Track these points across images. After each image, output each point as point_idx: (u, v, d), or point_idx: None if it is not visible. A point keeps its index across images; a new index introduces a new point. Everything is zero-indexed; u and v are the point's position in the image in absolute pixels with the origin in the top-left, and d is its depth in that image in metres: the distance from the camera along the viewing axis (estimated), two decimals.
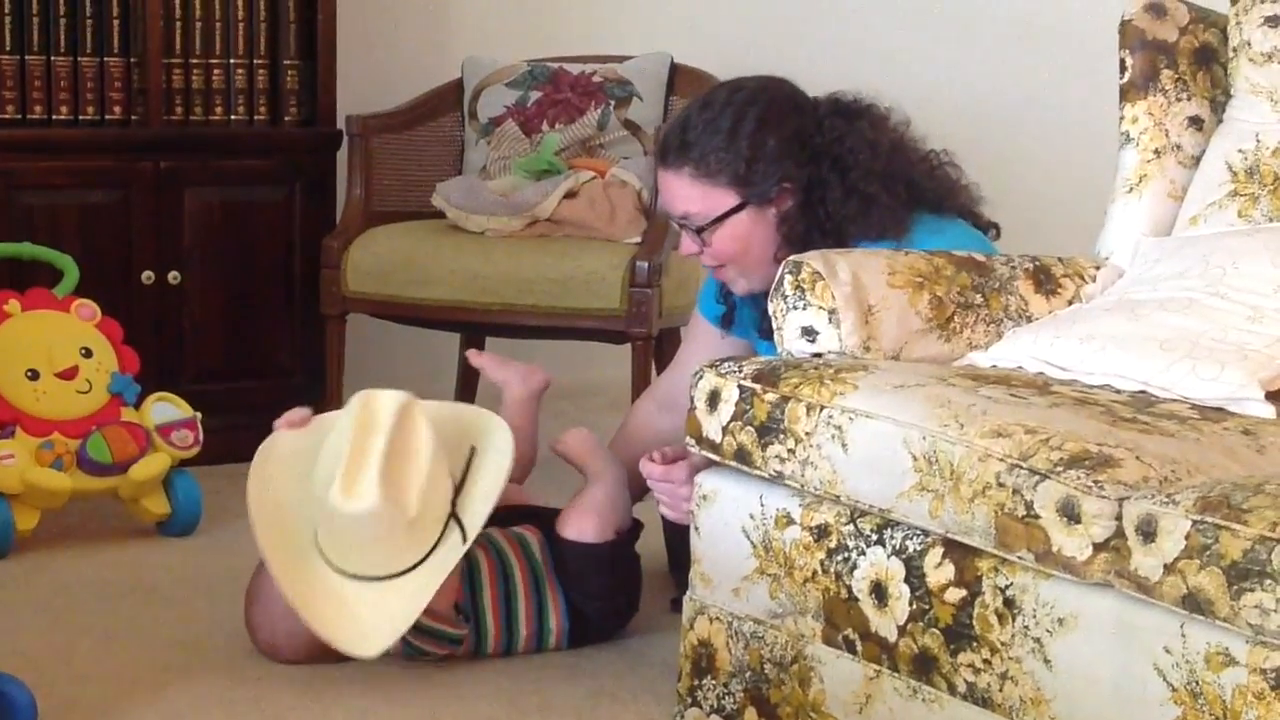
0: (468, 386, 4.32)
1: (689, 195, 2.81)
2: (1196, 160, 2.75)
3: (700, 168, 2.80)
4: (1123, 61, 2.81)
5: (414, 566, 2.58)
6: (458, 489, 2.63)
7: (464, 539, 2.59)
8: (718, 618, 2.46)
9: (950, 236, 2.77)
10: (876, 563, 2.23)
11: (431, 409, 2.68)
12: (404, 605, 2.57)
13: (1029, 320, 2.61)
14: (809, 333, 2.51)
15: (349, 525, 2.55)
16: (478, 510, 2.61)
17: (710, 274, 2.99)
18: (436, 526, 2.59)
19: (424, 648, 2.72)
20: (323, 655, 2.69)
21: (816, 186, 2.79)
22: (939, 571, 2.15)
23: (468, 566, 2.78)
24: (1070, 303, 2.66)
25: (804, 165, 2.79)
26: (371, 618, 2.57)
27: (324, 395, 3.87)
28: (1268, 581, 1.80)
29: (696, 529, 2.49)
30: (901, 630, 2.20)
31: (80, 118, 3.83)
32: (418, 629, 2.69)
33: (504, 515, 2.90)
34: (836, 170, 2.79)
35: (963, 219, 2.87)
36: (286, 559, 2.63)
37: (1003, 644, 2.08)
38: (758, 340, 2.97)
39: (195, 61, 3.91)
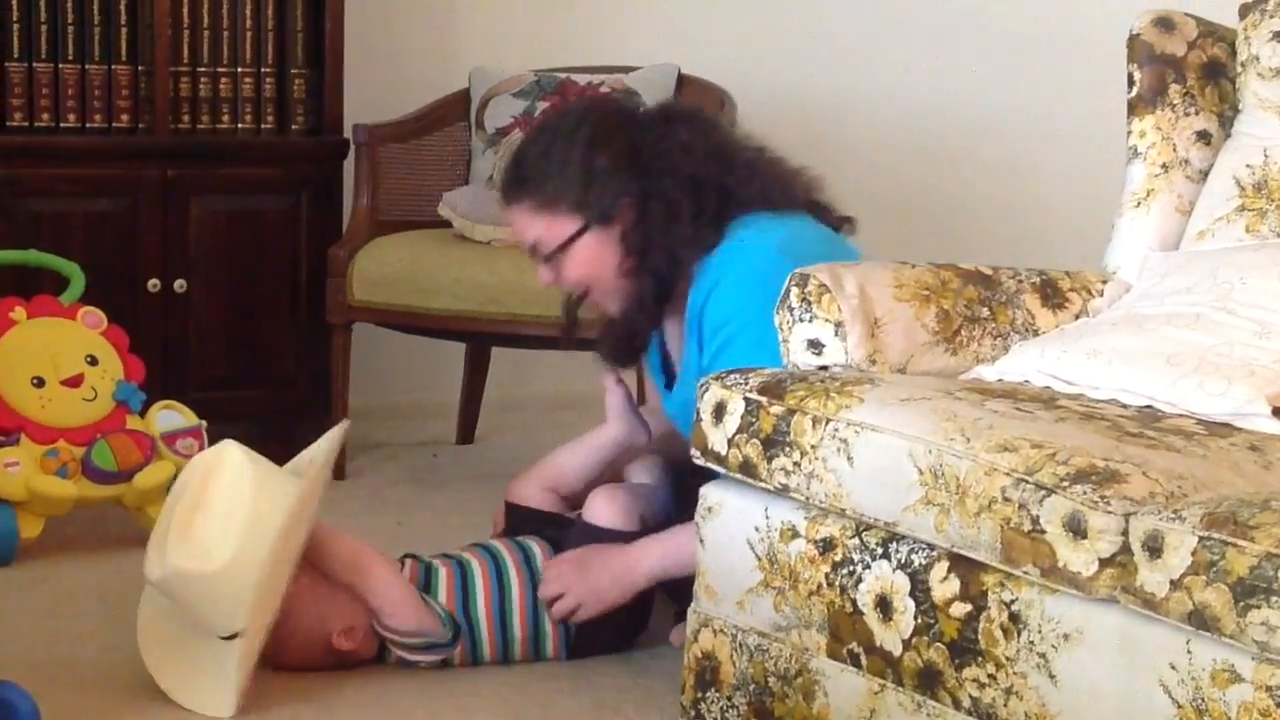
0: (472, 396, 4.32)
1: (533, 226, 2.82)
2: (1204, 175, 2.75)
3: (538, 197, 2.80)
4: (1131, 76, 2.81)
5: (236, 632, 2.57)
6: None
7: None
8: (722, 630, 2.45)
9: (761, 229, 2.74)
10: (882, 576, 2.23)
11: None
12: (230, 664, 2.56)
13: (1036, 334, 2.61)
14: (815, 345, 2.51)
15: (167, 591, 2.58)
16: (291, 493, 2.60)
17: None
18: (271, 562, 2.54)
19: (415, 659, 2.72)
20: (323, 663, 2.69)
21: (651, 197, 2.78)
22: (944, 586, 2.15)
23: (461, 575, 2.79)
24: (1077, 317, 2.66)
25: (638, 178, 2.78)
26: (217, 673, 2.58)
27: (329, 404, 3.87)
28: (1274, 598, 1.79)
29: (701, 541, 2.48)
30: (906, 644, 2.20)
31: (88, 125, 3.84)
32: (399, 646, 2.70)
33: (530, 520, 2.91)
34: (666, 172, 2.78)
35: (804, 214, 2.84)
36: (153, 618, 2.68)
37: (1008, 659, 2.08)
38: (661, 389, 2.97)
39: (203, 70, 3.92)
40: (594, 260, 2.80)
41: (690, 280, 2.76)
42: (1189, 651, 1.89)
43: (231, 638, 2.54)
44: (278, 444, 3.97)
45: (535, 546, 2.86)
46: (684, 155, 2.79)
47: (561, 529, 2.90)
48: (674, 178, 2.77)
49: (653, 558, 2.76)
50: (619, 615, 2.82)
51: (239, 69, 3.95)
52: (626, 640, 2.87)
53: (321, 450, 2.74)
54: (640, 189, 2.78)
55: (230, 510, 2.55)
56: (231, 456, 2.61)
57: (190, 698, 2.58)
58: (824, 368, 2.49)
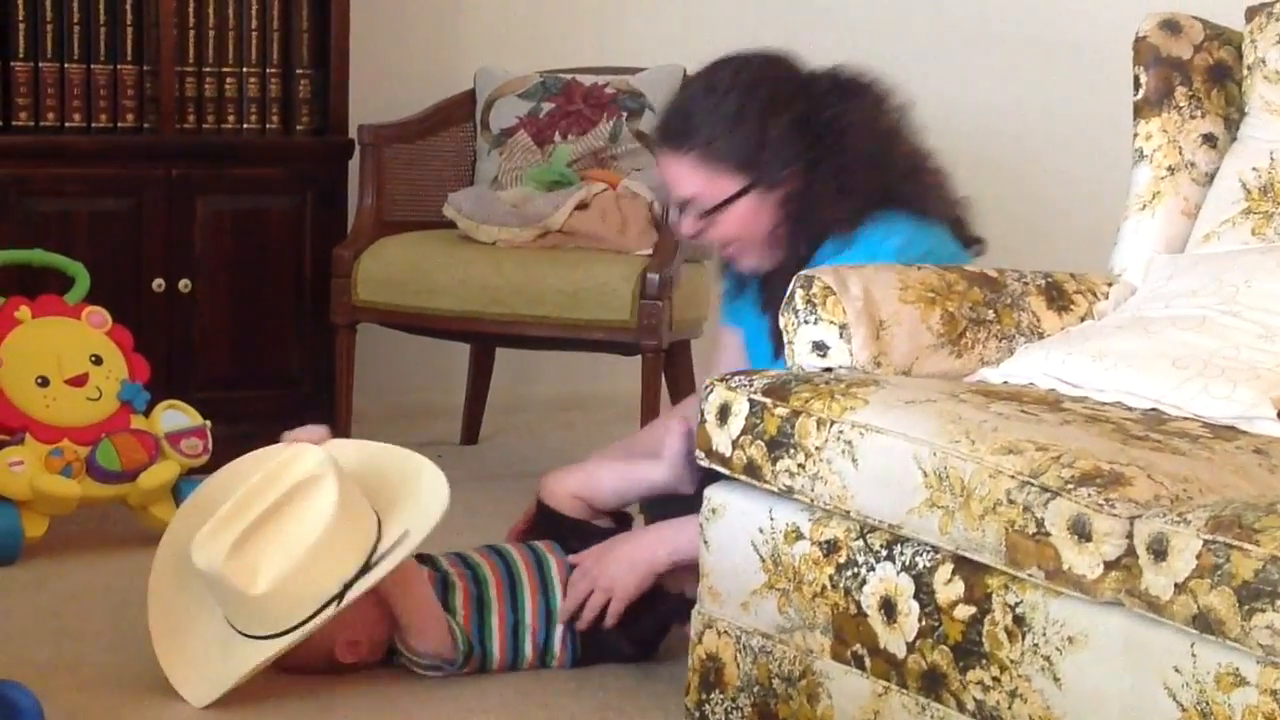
0: (478, 397, 4.32)
1: (693, 179, 2.79)
2: (1210, 178, 2.75)
3: (706, 152, 2.76)
4: (1137, 78, 2.81)
5: (278, 634, 2.56)
6: (366, 566, 2.57)
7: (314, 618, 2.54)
8: (726, 632, 2.45)
9: (895, 229, 2.73)
10: (886, 578, 2.22)
11: (364, 461, 2.66)
12: (241, 660, 2.56)
13: (1041, 336, 2.60)
14: (820, 347, 2.50)
15: (201, 575, 2.57)
16: (360, 587, 2.56)
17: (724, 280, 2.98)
18: (308, 604, 2.54)
19: (423, 673, 2.71)
20: (329, 666, 2.69)
21: (819, 166, 2.76)
22: (949, 588, 2.15)
23: (478, 592, 2.76)
24: (1082, 319, 2.65)
25: (809, 147, 2.76)
26: (215, 665, 2.58)
27: (333, 404, 3.87)
28: (1279, 602, 1.79)
29: (705, 542, 2.48)
30: (910, 646, 2.19)
31: (93, 125, 3.84)
32: (411, 662, 2.69)
33: (559, 526, 2.90)
34: (838, 149, 2.76)
35: (946, 226, 2.83)
36: (168, 581, 2.67)
37: (1012, 662, 2.08)
38: (757, 317, 2.93)
39: (208, 70, 3.92)
40: (748, 222, 2.78)
41: (816, 254, 2.75)
42: (1194, 655, 1.89)
43: (253, 637, 2.55)
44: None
45: (550, 556, 2.83)
46: (862, 133, 2.77)
47: (586, 540, 2.88)
48: (844, 155, 2.75)
49: (671, 540, 2.73)
50: (626, 630, 2.80)
51: (244, 69, 3.95)
52: (634, 656, 2.84)
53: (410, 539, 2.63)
54: (811, 159, 2.75)
55: (296, 544, 2.53)
56: (326, 487, 2.55)
57: (176, 673, 2.59)
58: (829, 369, 2.49)
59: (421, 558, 2.80)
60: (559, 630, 2.78)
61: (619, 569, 2.75)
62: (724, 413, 2.41)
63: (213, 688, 2.57)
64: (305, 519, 2.54)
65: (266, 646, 2.55)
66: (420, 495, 2.67)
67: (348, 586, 2.54)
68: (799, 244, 2.78)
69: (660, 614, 2.79)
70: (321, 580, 2.54)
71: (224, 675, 2.57)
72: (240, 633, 2.58)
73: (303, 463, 2.59)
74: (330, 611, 2.54)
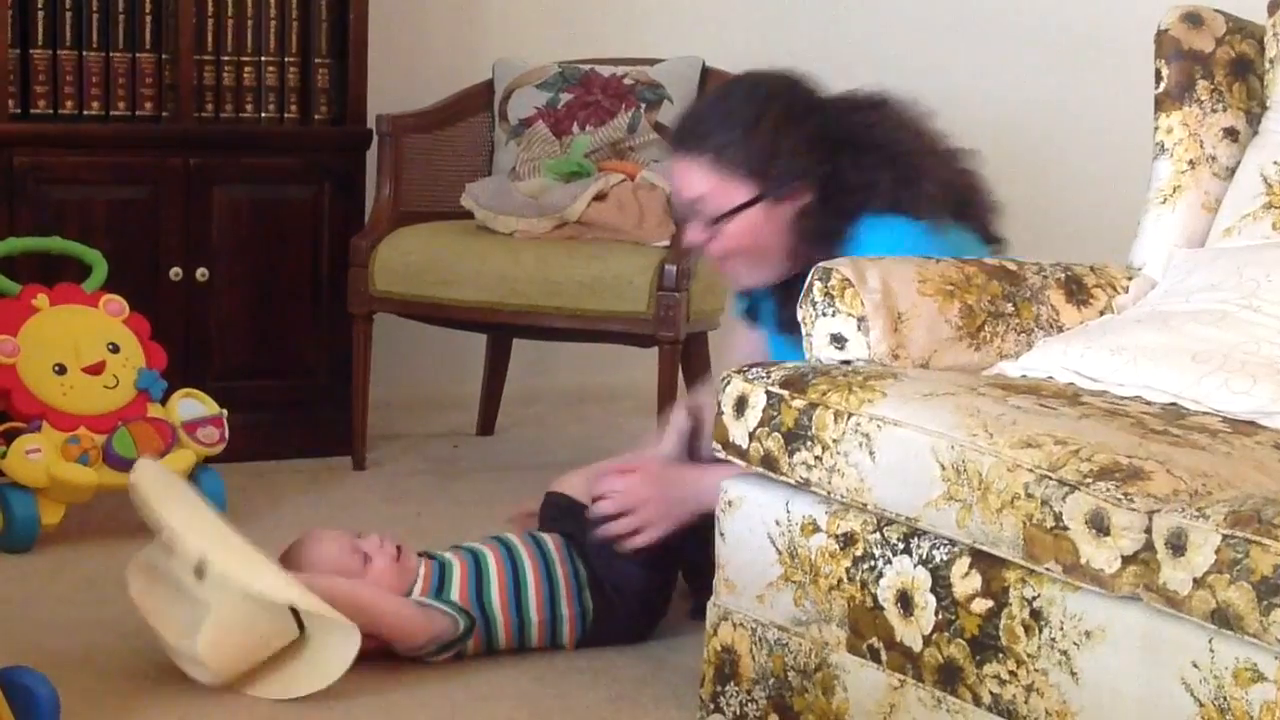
0: (494, 388, 4.32)
1: (704, 183, 2.79)
2: (1231, 172, 2.74)
3: (720, 157, 2.77)
4: (1158, 71, 2.80)
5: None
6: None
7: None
8: (742, 624, 2.45)
9: (894, 237, 2.72)
10: (903, 572, 2.22)
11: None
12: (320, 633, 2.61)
13: (1060, 330, 2.60)
14: (838, 340, 2.50)
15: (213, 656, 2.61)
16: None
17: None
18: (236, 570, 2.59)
19: (435, 658, 2.72)
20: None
21: (831, 185, 2.77)
22: (966, 582, 2.14)
23: (476, 566, 2.79)
24: (1102, 313, 2.64)
25: (822, 163, 2.77)
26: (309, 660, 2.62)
27: (349, 394, 3.87)
28: None
29: (721, 534, 2.48)
30: (927, 640, 2.19)
31: (111, 113, 3.84)
32: (417, 656, 2.70)
33: (563, 510, 2.90)
34: (854, 166, 2.76)
35: (964, 226, 2.82)
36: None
37: (1029, 656, 2.07)
38: (774, 334, 2.94)
39: (227, 59, 3.92)
40: (755, 232, 2.78)
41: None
42: (1211, 650, 1.88)
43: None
44: (298, 433, 4.00)
45: (548, 539, 2.87)
46: (867, 150, 2.77)
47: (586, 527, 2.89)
48: (860, 170, 2.75)
49: (713, 474, 2.67)
50: (634, 605, 2.81)
51: (263, 58, 3.95)
52: (642, 632, 2.86)
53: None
54: (823, 173, 2.76)
55: (173, 586, 2.60)
56: (131, 577, 2.68)
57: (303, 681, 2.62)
58: (846, 362, 2.48)
59: (421, 555, 2.84)
60: (565, 598, 2.80)
61: (664, 508, 2.77)
62: (741, 405, 2.40)
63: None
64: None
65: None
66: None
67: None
68: (809, 258, 2.77)
69: (676, 545, 2.80)
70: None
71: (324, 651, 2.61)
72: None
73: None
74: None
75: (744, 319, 3.06)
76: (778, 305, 2.88)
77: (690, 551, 2.78)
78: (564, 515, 2.94)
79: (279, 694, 2.59)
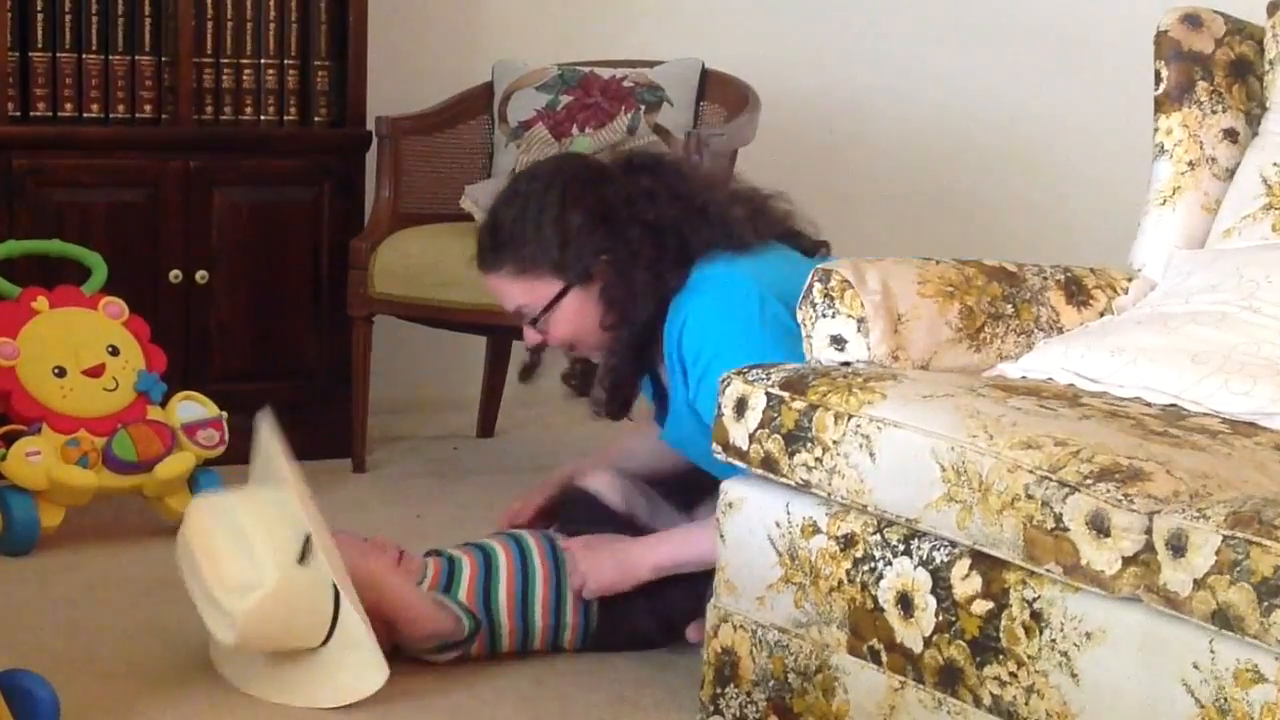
0: (494, 390, 4.32)
1: (515, 292, 2.84)
2: (1231, 173, 2.74)
3: (517, 263, 2.81)
4: (1158, 73, 2.80)
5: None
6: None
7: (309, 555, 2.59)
8: (742, 626, 2.45)
9: (726, 260, 2.75)
10: (903, 573, 2.22)
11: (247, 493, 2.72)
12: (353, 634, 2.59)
13: (1060, 331, 2.60)
14: (837, 341, 2.50)
15: (247, 648, 2.61)
16: (304, 516, 2.61)
17: None
18: (292, 559, 2.58)
19: (432, 659, 2.72)
20: None
21: (623, 248, 2.79)
22: (966, 583, 2.14)
23: (485, 564, 2.79)
24: (1102, 314, 2.64)
25: (610, 233, 2.80)
26: (342, 672, 2.60)
27: (349, 397, 3.87)
28: None
29: (722, 536, 2.48)
30: (927, 641, 2.19)
31: (111, 116, 3.84)
32: (417, 651, 2.70)
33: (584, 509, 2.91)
34: (636, 224, 2.80)
35: (780, 244, 2.85)
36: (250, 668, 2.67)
37: (1029, 657, 2.07)
38: (657, 421, 2.98)
39: (226, 61, 3.92)
40: (578, 318, 2.82)
41: (664, 320, 2.77)
42: (1212, 651, 1.88)
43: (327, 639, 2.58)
44: (298, 436, 3.98)
45: (560, 538, 2.86)
46: (648, 203, 2.81)
47: (605, 528, 2.89)
48: (640, 227, 2.79)
49: (659, 552, 2.77)
50: (637, 613, 2.81)
51: (262, 60, 3.95)
52: (647, 642, 2.85)
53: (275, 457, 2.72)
54: (614, 244, 2.79)
55: (241, 543, 2.56)
56: (196, 510, 2.63)
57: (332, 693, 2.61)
58: (846, 363, 2.48)
59: (429, 554, 2.84)
60: (570, 606, 2.79)
61: (602, 562, 2.79)
62: (741, 406, 2.40)
63: (370, 669, 2.59)
64: (223, 528, 2.59)
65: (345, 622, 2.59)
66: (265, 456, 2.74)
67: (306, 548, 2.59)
68: (630, 328, 2.80)
69: (687, 594, 2.78)
70: (277, 549, 2.56)
71: (360, 656, 2.59)
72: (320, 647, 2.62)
73: (181, 531, 2.64)
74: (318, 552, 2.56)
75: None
76: (650, 381, 2.91)
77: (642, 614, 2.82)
78: (592, 519, 2.92)
79: (281, 698, 2.59)
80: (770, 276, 2.71)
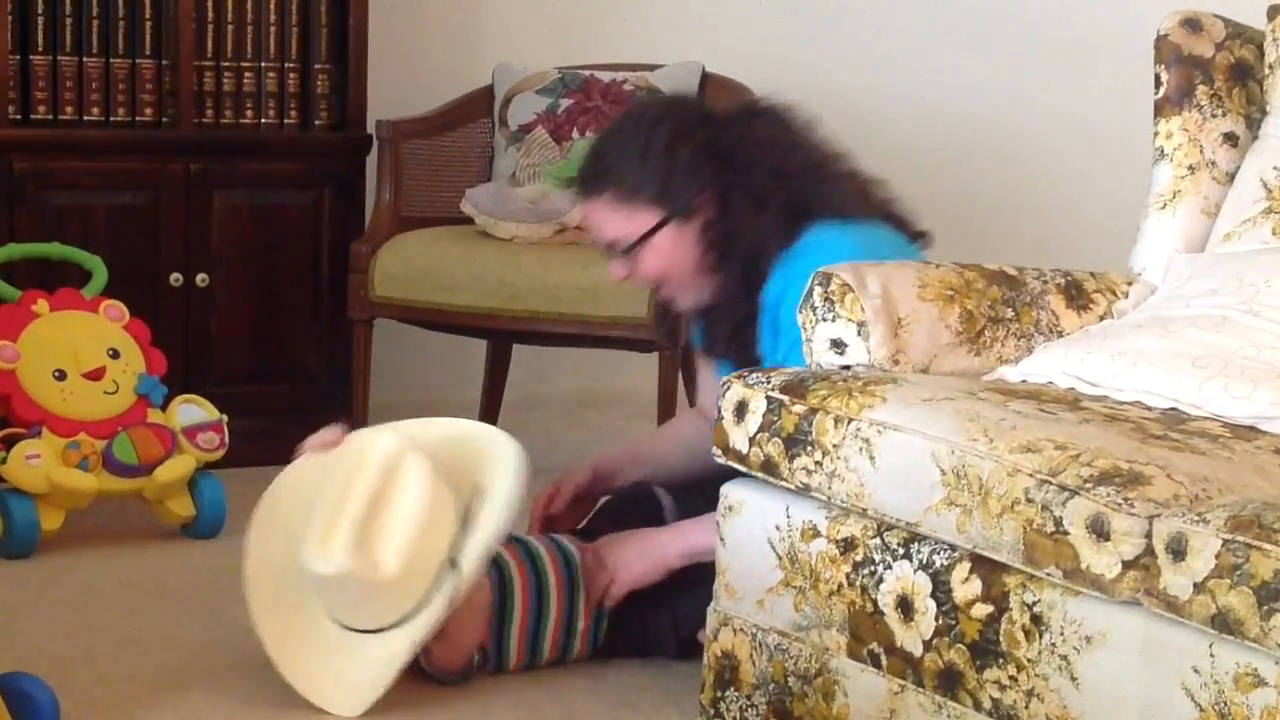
0: (494, 393, 4.32)
1: (612, 220, 2.82)
2: (1231, 177, 2.74)
3: (619, 191, 2.80)
4: (1158, 76, 2.80)
5: (401, 621, 2.55)
6: (462, 529, 2.59)
7: (458, 584, 2.55)
8: (742, 629, 2.45)
9: (850, 238, 2.72)
10: (903, 577, 2.22)
11: (433, 441, 2.63)
12: (387, 660, 2.55)
13: (1060, 335, 2.60)
14: (838, 345, 2.50)
15: (321, 584, 2.55)
16: (474, 555, 2.56)
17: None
18: (428, 577, 2.55)
19: (434, 676, 2.70)
20: None
21: (732, 191, 2.78)
22: (966, 587, 2.14)
23: (500, 595, 2.72)
24: (1102, 318, 2.64)
25: (719, 173, 2.78)
26: (352, 673, 2.57)
27: (350, 400, 3.87)
28: None
29: (722, 539, 2.47)
30: (927, 645, 2.19)
31: (111, 119, 3.84)
32: (424, 669, 2.68)
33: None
34: (747, 168, 2.78)
35: (882, 224, 2.83)
36: (271, 603, 2.62)
37: (1029, 661, 2.07)
38: (715, 360, 2.95)
39: (226, 64, 3.92)
40: (672, 253, 2.80)
41: (767, 272, 2.75)
42: (1212, 655, 1.88)
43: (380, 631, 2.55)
44: (299, 439, 3.98)
45: (574, 550, 2.80)
46: (766, 149, 2.79)
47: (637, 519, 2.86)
48: (756, 171, 2.77)
49: (690, 537, 2.73)
50: (648, 620, 2.79)
51: (263, 63, 3.95)
52: (656, 648, 2.82)
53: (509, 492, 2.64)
54: (722, 183, 2.77)
55: (404, 523, 2.53)
56: (417, 469, 2.56)
57: (320, 693, 2.57)
58: (846, 367, 2.48)
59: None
60: (580, 627, 2.77)
61: (629, 555, 2.76)
62: (741, 410, 2.40)
63: (365, 695, 2.56)
64: (403, 499, 2.54)
65: (400, 635, 2.55)
66: (496, 463, 2.66)
67: (456, 558, 2.56)
68: (730, 271, 2.78)
69: (697, 607, 2.76)
70: (432, 552, 2.55)
71: (372, 679, 2.55)
72: (359, 630, 2.57)
73: (381, 447, 2.58)
74: (450, 586, 2.54)
75: (699, 349, 3.06)
76: (701, 331, 2.90)
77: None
78: (642, 517, 2.88)
79: (287, 669, 2.58)
80: (882, 255, 2.68)
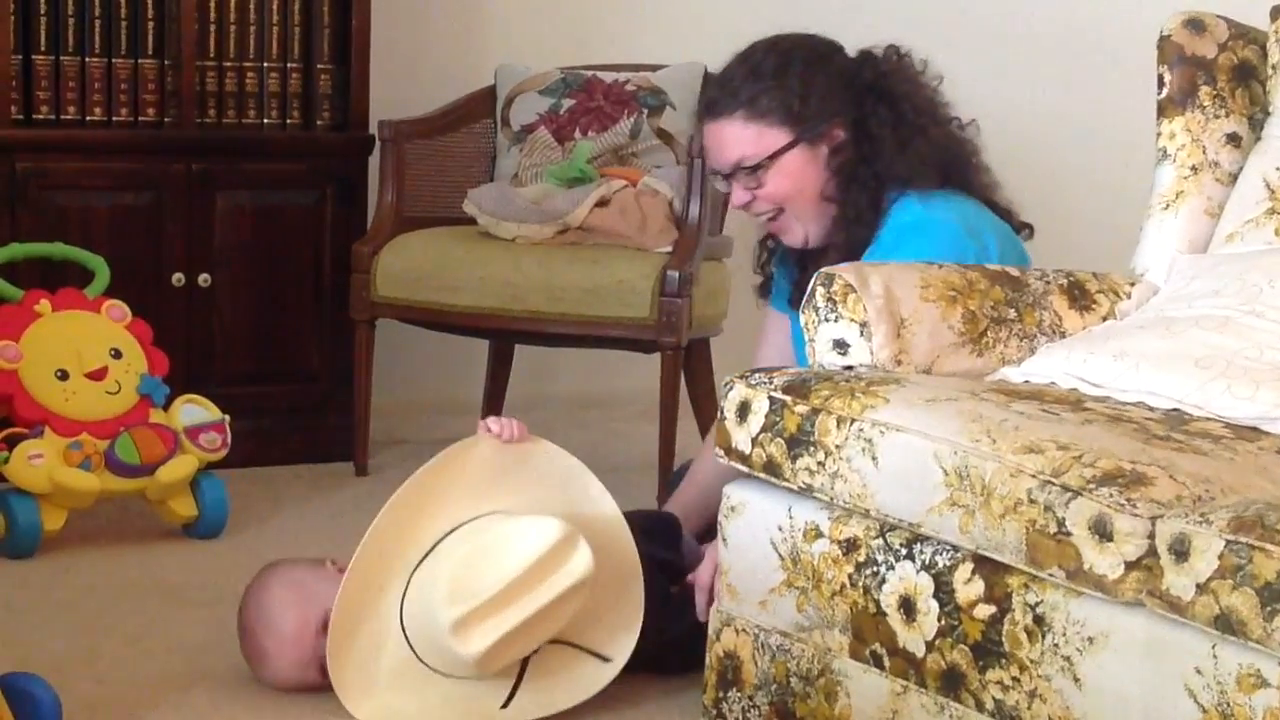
0: (497, 394, 4.32)
1: (741, 138, 2.82)
2: (1234, 178, 2.74)
3: (751, 109, 2.81)
4: (1161, 77, 2.80)
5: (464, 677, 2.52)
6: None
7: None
8: (744, 630, 2.45)
9: (956, 192, 2.76)
10: (905, 577, 2.22)
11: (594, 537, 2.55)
12: (440, 707, 2.52)
13: (1063, 336, 2.60)
14: (840, 345, 2.50)
15: (431, 640, 2.49)
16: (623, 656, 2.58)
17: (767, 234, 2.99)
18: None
19: None
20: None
21: (866, 121, 2.80)
22: (968, 587, 2.14)
23: None
24: (1105, 319, 2.64)
25: (853, 101, 2.81)
26: (397, 697, 2.52)
27: (352, 400, 3.87)
28: None
29: (724, 540, 2.47)
30: (930, 646, 2.19)
31: (114, 119, 3.84)
32: None
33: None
34: (885, 103, 2.81)
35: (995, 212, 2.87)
36: (363, 583, 2.55)
37: (1032, 661, 2.07)
38: (792, 312, 2.93)
39: (229, 64, 3.92)
40: (798, 177, 2.81)
41: (883, 212, 2.76)
42: (1215, 656, 1.88)
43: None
44: (301, 439, 4.00)
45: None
46: (904, 91, 2.83)
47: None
48: (891, 109, 2.79)
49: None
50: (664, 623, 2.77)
51: (265, 64, 3.95)
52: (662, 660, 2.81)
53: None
54: (857, 113, 2.79)
55: (541, 634, 2.50)
56: (583, 593, 2.49)
57: (362, 701, 2.53)
58: (849, 368, 2.48)
59: None
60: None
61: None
62: (744, 410, 2.40)
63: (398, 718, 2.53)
64: (558, 620, 2.50)
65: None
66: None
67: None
68: (853, 200, 2.79)
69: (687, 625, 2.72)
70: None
71: (421, 713, 2.52)
72: (432, 668, 2.53)
73: (575, 563, 2.48)
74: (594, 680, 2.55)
75: (778, 307, 3.05)
76: (790, 278, 2.89)
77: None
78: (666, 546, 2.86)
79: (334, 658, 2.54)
80: (991, 229, 2.72)
